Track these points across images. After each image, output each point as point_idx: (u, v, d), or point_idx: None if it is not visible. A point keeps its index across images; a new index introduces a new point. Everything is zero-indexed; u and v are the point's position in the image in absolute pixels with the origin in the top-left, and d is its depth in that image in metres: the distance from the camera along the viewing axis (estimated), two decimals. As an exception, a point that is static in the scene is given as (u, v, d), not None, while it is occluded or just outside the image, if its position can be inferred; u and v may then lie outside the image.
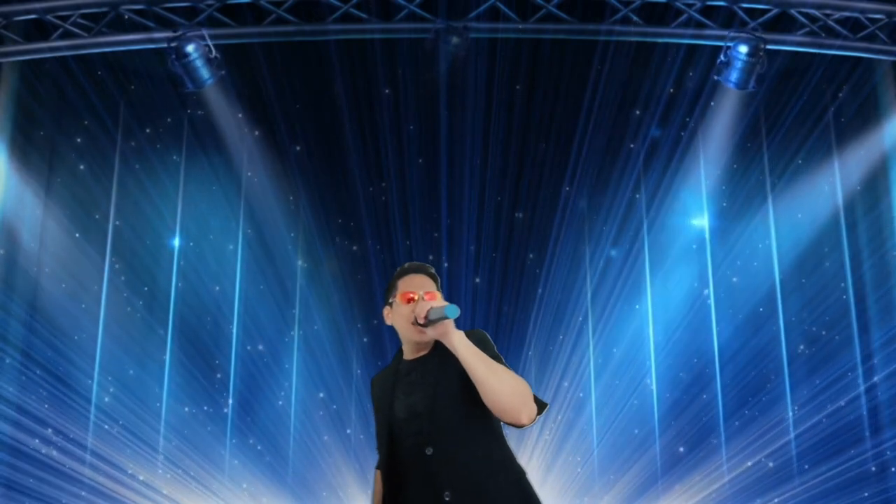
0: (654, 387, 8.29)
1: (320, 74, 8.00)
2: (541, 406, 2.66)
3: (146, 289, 8.29)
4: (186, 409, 8.13)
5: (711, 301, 8.34)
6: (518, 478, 2.76)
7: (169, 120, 8.36)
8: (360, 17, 7.36)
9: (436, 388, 2.75)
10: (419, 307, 2.76)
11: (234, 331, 8.33)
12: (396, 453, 2.78)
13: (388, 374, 2.97)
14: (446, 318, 2.66)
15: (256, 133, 8.27)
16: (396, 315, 2.93)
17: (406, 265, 3.02)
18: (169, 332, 8.18)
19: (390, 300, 2.97)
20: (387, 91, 8.10)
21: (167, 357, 8.14)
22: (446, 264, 8.36)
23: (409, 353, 2.94)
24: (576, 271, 8.52)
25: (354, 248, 8.53)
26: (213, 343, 8.30)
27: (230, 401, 8.20)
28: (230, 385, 8.23)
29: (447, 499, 2.64)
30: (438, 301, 2.79)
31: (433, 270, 3.00)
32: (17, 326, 7.67)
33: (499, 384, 2.59)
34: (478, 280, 8.44)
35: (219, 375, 8.24)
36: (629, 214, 8.49)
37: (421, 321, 2.74)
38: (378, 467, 2.97)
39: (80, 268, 8.03)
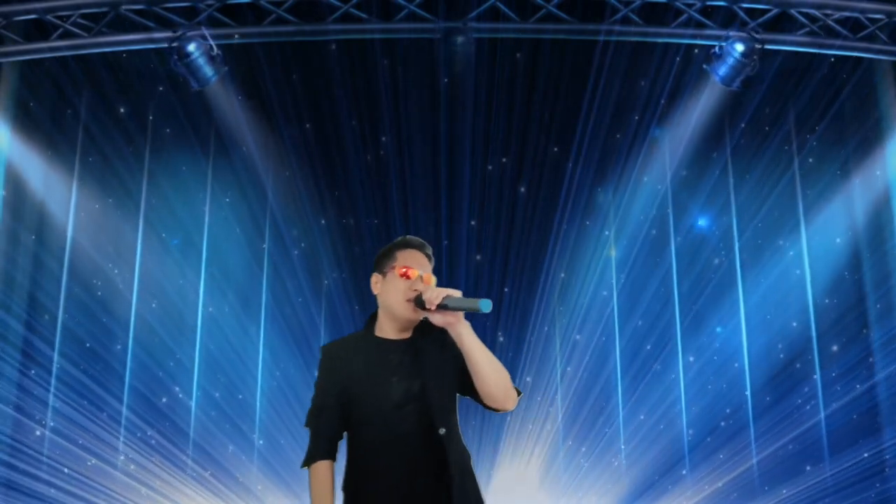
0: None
1: (318, 50, 7.91)
2: (518, 393, 2.91)
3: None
4: (189, 399, 8.13)
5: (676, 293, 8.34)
6: (470, 456, 2.95)
7: (167, 114, 8.31)
8: (360, 17, 7.36)
9: (439, 370, 2.84)
10: (430, 292, 2.75)
11: (201, 313, 8.30)
12: (389, 435, 2.78)
13: (362, 351, 2.88)
14: (478, 310, 2.69)
15: (250, 102, 8.15)
16: (389, 286, 2.89)
17: (407, 237, 2.98)
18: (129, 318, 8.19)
19: (385, 269, 2.92)
20: (385, 62, 7.98)
21: (124, 335, 8.15)
22: (446, 241, 8.24)
23: (391, 332, 2.91)
24: (582, 248, 8.40)
25: (351, 222, 8.42)
26: (199, 324, 8.26)
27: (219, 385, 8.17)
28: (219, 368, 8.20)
29: (453, 475, 2.78)
30: (453, 290, 2.77)
31: (430, 251, 2.98)
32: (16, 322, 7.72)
33: (497, 376, 2.81)
34: (479, 257, 8.36)
35: (212, 358, 8.20)
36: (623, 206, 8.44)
37: (430, 306, 2.74)
38: (323, 457, 2.84)
39: (81, 263, 8.07)
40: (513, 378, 2.91)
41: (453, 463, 2.77)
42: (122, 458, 7.78)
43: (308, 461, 2.86)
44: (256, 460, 8.09)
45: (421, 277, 2.86)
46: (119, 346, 8.10)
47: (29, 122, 7.94)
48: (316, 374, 2.91)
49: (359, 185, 8.27)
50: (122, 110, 8.26)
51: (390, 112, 8.10)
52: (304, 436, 8.14)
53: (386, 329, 2.92)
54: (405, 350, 2.87)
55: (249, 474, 8.03)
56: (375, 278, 2.94)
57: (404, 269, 2.87)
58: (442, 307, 2.73)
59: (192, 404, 8.07)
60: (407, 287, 2.85)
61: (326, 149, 8.28)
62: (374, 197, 8.32)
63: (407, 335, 2.91)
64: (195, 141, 8.33)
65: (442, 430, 2.78)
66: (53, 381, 7.73)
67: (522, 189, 8.40)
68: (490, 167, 8.37)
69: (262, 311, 8.37)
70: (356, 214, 8.36)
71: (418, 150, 8.19)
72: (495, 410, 2.88)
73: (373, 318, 2.98)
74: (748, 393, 8.15)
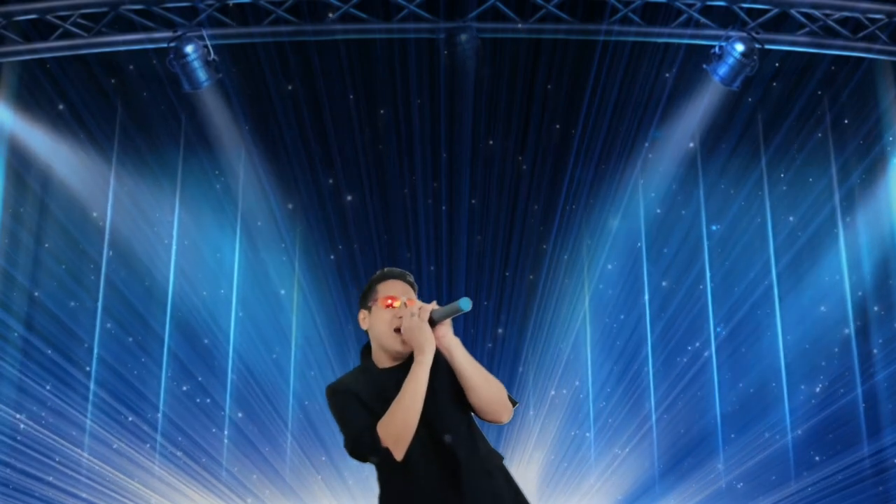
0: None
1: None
2: (513, 404, 2.90)
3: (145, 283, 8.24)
4: (185, 387, 8.04)
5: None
6: (501, 461, 2.93)
7: (163, 115, 8.23)
8: (360, 17, 7.38)
9: (433, 384, 2.79)
10: (416, 307, 2.78)
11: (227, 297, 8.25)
12: (409, 458, 2.74)
13: (367, 381, 2.87)
14: (460, 311, 2.72)
15: (239, 68, 8.01)
16: (375, 319, 2.90)
17: (385, 270, 3.01)
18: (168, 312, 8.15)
19: (369, 304, 2.94)
20: (384, 43, 7.89)
21: (167, 335, 8.09)
22: (445, 222, 8.13)
23: (384, 362, 2.92)
24: (586, 229, 8.27)
25: (349, 198, 8.32)
26: (207, 312, 8.17)
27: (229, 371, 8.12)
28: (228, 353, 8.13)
29: (465, 478, 2.75)
30: (437, 306, 2.79)
31: (412, 278, 3.00)
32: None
33: (488, 388, 2.80)
34: (479, 238, 8.22)
35: (206, 341, 8.11)
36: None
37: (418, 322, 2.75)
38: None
39: (76, 262, 8.08)
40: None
41: (466, 467, 2.76)
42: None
43: (372, 439, 2.71)
44: (228, 431, 7.97)
45: (405, 304, 2.88)
46: (86, 313, 8.01)
47: (29, 120, 7.94)
48: (334, 415, 2.84)
49: (356, 160, 8.11)
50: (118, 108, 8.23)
51: (389, 85, 7.96)
52: (279, 404, 7.88)
53: (382, 360, 2.93)
54: (401, 372, 2.83)
55: (221, 447, 7.92)
56: (362, 314, 2.97)
57: (388, 300, 2.89)
58: (434, 322, 2.75)
59: (163, 375, 7.98)
60: (392, 317, 2.87)
61: (322, 123, 8.08)
62: (372, 174, 8.16)
63: (403, 360, 2.90)
64: (186, 125, 8.21)
65: (448, 438, 2.77)
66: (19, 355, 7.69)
67: (525, 167, 8.23)
68: (491, 142, 8.22)
69: (234, 276, 8.27)
70: (353, 191, 8.23)
71: (417, 125, 8.00)
72: (490, 422, 2.89)
73: (367, 350, 2.99)
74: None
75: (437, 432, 2.78)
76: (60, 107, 8.01)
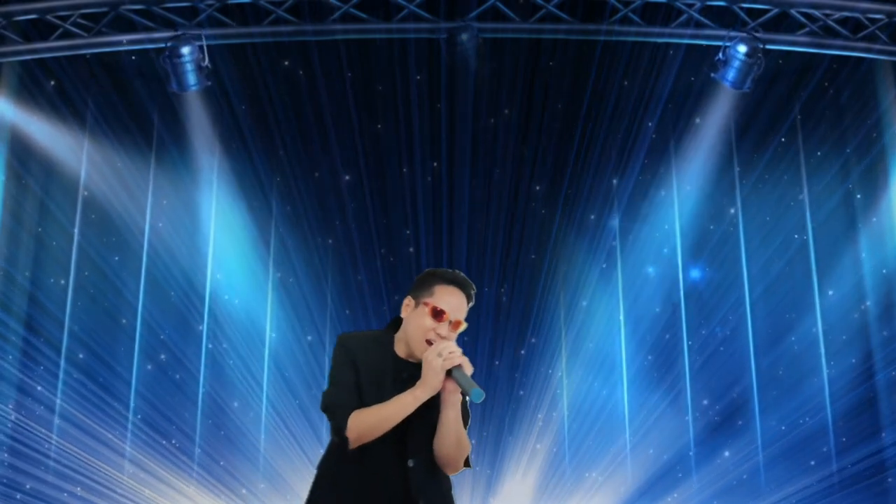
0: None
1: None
2: (466, 465, 2.94)
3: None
4: (174, 375, 8.04)
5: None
6: (450, 489, 2.97)
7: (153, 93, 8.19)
8: (360, 17, 7.38)
9: (429, 403, 2.80)
10: (445, 349, 2.74)
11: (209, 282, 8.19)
12: (369, 451, 2.78)
13: (374, 354, 2.88)
14: (469, 395, 2.70)
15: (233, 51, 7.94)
16: (416, 318, 2.87)
17: (453, 273, 2.94)
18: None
19: (419, 299, 2.89)
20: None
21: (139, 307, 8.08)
22: (445, 210, 8.07)
23: (401, 349, 2.92)
24: (591, 206, 8.24)
25: (347, 178, 8.28)
26: (194, 294, 8.15)
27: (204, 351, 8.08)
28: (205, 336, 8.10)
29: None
30: (467, 364, 2.76)
31: (474, 291, 2.94)
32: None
33: (455, 449, 2.83)
34: (479, 225, 8.16)
35: (200, 328, 8.09)
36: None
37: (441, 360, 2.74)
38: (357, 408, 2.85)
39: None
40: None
41: (419, 492, 2.79)
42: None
43: (343, 420, 2.75)
44: (202, 405, 7.96)
45: (450, 323, 2.85)
46: (63, 282, 7.97)
47: (29, 119, 7.94)
48: (332, 362, 2.86)
49: (353, 139, 8.04)
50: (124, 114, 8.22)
51: (386, 63, 7.90)
52: (275, 397, 7.82)
53: (400, 345, 2.92)
54: (409, 369, 2.86)
55: (193, 420, 7.90)
56: (408, 302, 2.92)
57: (438, 311, 2.84)
58: (447, 373, 2.73)
59: (136, 352, 7.98)
60: (432, 328, 2.83)
61: (318, 102, 8.02)
62: (370, 154, 8.11)
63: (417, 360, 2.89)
64: (177, 106, 8.14)
65: (411, 463, 2.80)
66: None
67: (527, 151, 8.16)
68: (492, 120, 8.13)
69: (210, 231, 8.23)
70: (350, 171, 8.17)
71: (415, 105, 7.92)
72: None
73: (395, 324, 2.97)
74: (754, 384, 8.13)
75: (405, 452, 2.80)
76: (52, 83, 7.96)
